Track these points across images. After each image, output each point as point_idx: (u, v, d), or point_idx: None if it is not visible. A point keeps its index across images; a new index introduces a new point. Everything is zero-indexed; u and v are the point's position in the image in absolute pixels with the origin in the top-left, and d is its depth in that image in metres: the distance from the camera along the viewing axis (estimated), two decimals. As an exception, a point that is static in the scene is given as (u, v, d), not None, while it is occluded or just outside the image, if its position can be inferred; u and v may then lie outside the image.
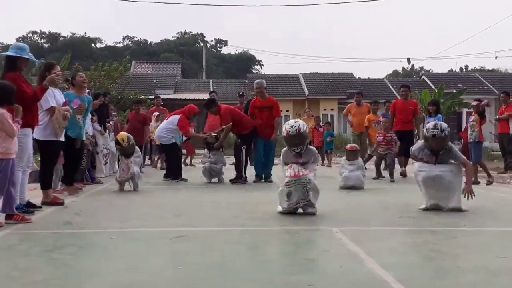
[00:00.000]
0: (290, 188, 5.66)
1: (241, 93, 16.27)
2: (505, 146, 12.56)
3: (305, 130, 5.85)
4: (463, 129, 11.84)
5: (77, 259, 4.00)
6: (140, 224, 5.49)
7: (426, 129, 6.41)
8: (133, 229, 5.23)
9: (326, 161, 15.61)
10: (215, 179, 10.02)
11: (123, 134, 8.74)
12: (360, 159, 9.22)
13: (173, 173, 10.21)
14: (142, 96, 25.51)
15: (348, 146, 9.43)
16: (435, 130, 6.31)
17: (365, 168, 9.86)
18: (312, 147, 6.17)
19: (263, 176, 10.02)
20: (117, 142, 8.76)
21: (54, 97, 6.68)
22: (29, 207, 6.09)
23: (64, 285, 3.29)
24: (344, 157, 9.30)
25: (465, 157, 6.78)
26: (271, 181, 9.79)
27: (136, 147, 8.79)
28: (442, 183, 6.18)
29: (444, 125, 6.41)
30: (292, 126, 5.82)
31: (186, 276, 3.49)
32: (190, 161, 14.89)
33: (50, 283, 3.34)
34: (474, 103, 10.72)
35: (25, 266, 3.79)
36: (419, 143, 6.60)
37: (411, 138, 11.40)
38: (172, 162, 10.50)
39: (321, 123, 17.15)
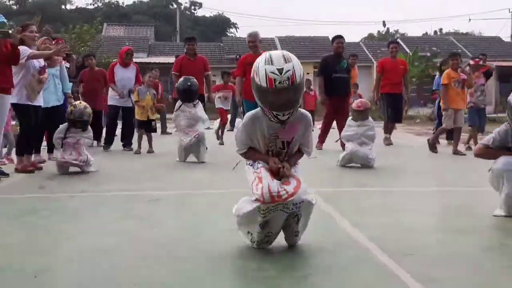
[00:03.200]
0: (266, 218, 3.01)
1: (237, 56, 14.98)
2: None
3: (303, 79, 2.94)
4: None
5: (51, 222, 3.98)
6: (114, 188, 5.48)
7: None
8: (107, 193, 5.22)
9: None
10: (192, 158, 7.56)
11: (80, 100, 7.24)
12: (370, 119, 7.07)
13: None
14: (114, 60, 25.09)
15: (355, 104, 7.14)
16: None
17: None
18: (304, 111, 3.17)
19: None
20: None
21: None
22: None
23: (38, 248, 3.29)
24: (350, 118, 7.24)
25: None
26: None
27: (90, 130, 6.76)
28: None
29: None
30: (281, 72, 2.82)
31: (161, 238, 3.51)
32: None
33: (23, 246, 3.33)
34: (478, 61, 9.45)
35: (-1, 230, 3.77)
36: (502, 127, 4.25)
37: (401, 102, 10.41)
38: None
39: (311, 86, 16.55)
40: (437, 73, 10.50)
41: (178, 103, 7.61)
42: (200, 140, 7.37)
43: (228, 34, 59.22)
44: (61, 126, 6.57)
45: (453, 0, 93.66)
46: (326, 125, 9.09)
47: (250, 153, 3.12)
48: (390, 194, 5.22)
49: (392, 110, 10.11)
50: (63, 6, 61.58)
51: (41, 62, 6.70)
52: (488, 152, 4.25)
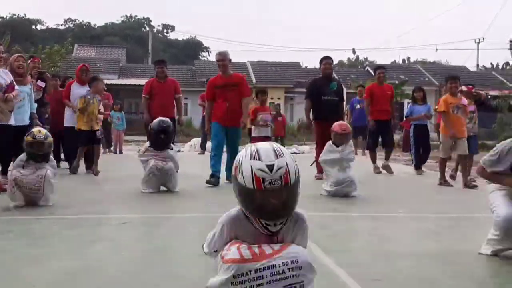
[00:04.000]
0: None
1: (207, 80, 15.13)
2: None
3: (298, 179, 2.24)
4: (404, 119, 11.51)
5: (16, 246, 3.89)
6: (83, 211, 5.39)
7: None
8: (75, 216, 5.14)
9: None
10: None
11: (39, 128, 6.11)
12: (351, 142, 6.81)
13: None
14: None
15: (338, 127, 6.67)
16: None
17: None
18: (299, 213, 2.37)
19: (226, 175, 7.53)
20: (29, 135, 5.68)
21: None
22: None
23: (4, 272, 3.21)
24: (330, 142, 6.73)
25: None
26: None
27: (53, 160, 5.93)
28: None
29: None
30: (271, 169, 2.18)
31: (130, 262, 3.47)
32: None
33: (-13, 270, 3.25)
34: (472, 88, 8.39)
35: (-39, 253, 3.67)
36: (504, 144, 3.77)
37: (389, 129, 9.86)
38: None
39: (281, 112, 17.07)
40: (408, 101, 10.42)
41: (147, 145, 6.86)
42: (171, 168, 6.65)
43: (201, 57, 59.55)
44: (18, 159, 5.71)
45: (421, 30, 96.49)
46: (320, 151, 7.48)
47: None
48: (360, 219, 5.28)
49: (375, 139, 9.64)
50: (33, 26, 61.01)
51: (7, 79, 6.45)
52: (493, 178, 3.83)
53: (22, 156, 5.69)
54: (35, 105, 7.80)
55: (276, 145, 2.27)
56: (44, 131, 5.85)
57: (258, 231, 2.24)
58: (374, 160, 9.75)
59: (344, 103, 9.71)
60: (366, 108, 9.97)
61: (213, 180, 7.30)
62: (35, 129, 5.90)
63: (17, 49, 22.22)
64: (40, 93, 8.54)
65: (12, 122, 6.53)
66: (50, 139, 5.73)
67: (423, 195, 7.24)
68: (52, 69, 23.26)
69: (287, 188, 2.17)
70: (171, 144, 7.03)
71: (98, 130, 8.26)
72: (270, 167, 2.15)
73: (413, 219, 5.38)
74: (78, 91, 8.96)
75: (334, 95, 8.51)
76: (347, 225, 5.00)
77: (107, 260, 3.53)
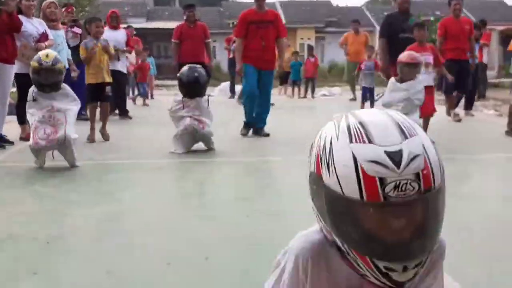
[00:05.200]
0: None
1: (233, 23, 15.10)
2: (478, 74, 12.74)
3: (443, 177, 1.20)
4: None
5: (59, 191, 4.08)
6: (119, 156, 5.56)
7: None
8: (112, 161, 5.31)
9: (305, 93, 15.28)
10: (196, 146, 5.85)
11: (47, 51, 5.07)
12: (419, 78, 5.53)
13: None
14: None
15: (405, 56, 5.50)
16: None
17: None
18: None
19: (257, 130, 6.86)
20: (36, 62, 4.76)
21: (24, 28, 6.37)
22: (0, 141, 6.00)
23: (49, 217, 3.39)
24: (392, 79, 5.62)
25: None
26: (267, 135, 6.77)
27: (66, 86, 4.92)
28: None
29: None
30: (398, 161, 1.07)
31: (166, 205, 3.62)
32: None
33: (34, 215, 3.43)
34: None
35: (9, 198, 3.88)
36: None
37: (468, 69, 8.67)
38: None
39: (314, 53, 17.38)
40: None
41: (177, 97, 5.86)
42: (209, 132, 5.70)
43: (228, -2, 58.37)
44: (28, 102, 4.79)
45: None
46: None
47: None
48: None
49: (454, 80, 7.95)
50: (60, -30, 60.49)
51: (40, 29, 6.46)
52: None
53: (30, 96, 4.78)
54: (69, 51, 7.87)
55: (397, 114, 1.19)
56: (53, 54, 4.82)
57: (364, 279, 1.19)
58: (452, 105, 8.58)
59: None
60: (439, 47, 8.44)
61: (247, 131, 6.90)
62: (41, 53, 4.92)
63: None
64: (77, 40, 8.60)
65: None
66: (60, 65, 4.81)
67: (461, 136, 7.17)
68: (81, 14, 23.29)
69: (430, 198, 1.14)
70: (206, 95, 5.89)
71: (109, 83, 6.68)
72: (396, 157, 1.08)
73: (447, 160, 5.36)
74: (109, 36, 8.94)
75: (412, 33, 7.09)
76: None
77: (144, 203, 3.67)
